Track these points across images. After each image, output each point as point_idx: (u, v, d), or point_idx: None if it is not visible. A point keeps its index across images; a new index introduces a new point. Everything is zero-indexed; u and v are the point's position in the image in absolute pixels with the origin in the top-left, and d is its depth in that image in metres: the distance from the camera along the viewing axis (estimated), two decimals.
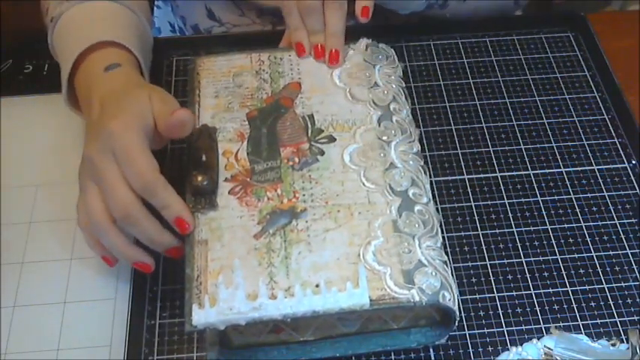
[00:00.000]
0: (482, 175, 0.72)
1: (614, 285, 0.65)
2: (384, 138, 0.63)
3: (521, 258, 0.66)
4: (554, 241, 0.67)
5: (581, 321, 0.62)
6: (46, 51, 0.71)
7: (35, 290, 0.65)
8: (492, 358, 0.60)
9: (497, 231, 0.68)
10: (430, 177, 0.67)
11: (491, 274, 0.65)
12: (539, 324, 0.62)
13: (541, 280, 0.65)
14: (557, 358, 0.59)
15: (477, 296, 0.64)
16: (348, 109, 0.65)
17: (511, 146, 0.74)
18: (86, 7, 0.68)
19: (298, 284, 0.54)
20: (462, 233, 0.68)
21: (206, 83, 0.67)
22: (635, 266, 0.66)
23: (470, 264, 0.66)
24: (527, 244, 0.67)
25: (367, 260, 0.55)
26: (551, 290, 0.64)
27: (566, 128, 0.76)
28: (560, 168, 0.73)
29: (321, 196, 0.59)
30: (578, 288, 0.64)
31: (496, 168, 0.73)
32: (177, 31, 1.00)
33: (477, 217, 0.69)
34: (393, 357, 0.61)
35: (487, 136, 0.75)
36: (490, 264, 0.66)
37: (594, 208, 0.70)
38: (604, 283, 0.65)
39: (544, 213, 0.69)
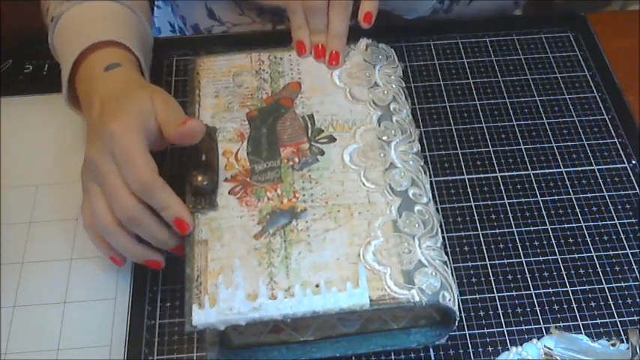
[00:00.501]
0: (482, 175, 0.72)
1: (614, 285, 0.65)
2: (384, 138, 0.63)
3: (521, 258, 0.66)
4: (554, 241, 0.67)
5: (581, 321, 0.62)
6: (46, 51, 0.71)
7: (35, 290, 0.65)
8: (492, 358, 0.60)
9: (497, 231, 0.68)
10: (430, 177, 0.67)
11: (491, 274, 0.65)
12: (539, 324, 0.62)
13: (541, 280, 0.65)
14: (557, 358, 0.59)
15: (477, 296, 0.64)
16: (348, 109, 0.65)
17: (511, 146, 0.74)
18: (86, 7, 0.68)
19: (298, 284, 0.54)
20: (462, 233, 0.68)
21: (206, 83, 0.67)
22: (635, 266, 0.66)
23: (470, 264, 0.66)
24: (527, 244, 0.67)
25: (367, 260, 0.55)
26: (551, 290, 0.64)
27: (566, 128, 0.76)
28: (560, 168, 0.73)
29: (321, 196, 0.59)
30: (578, 288, 0.64)
31: (496, 168, 0.73)
32: (178, 31, 1.00)
33: (477, 217, 0.69)
34: (393, 357, 0.61)
35: (487, 136, 0.75)
36: (490, 264, 0.66)
37: (594, 208, 0.70)
38: (604, 283, 0.65)
39: (544, 213, 0.69)
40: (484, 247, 0.67)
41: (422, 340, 0.60)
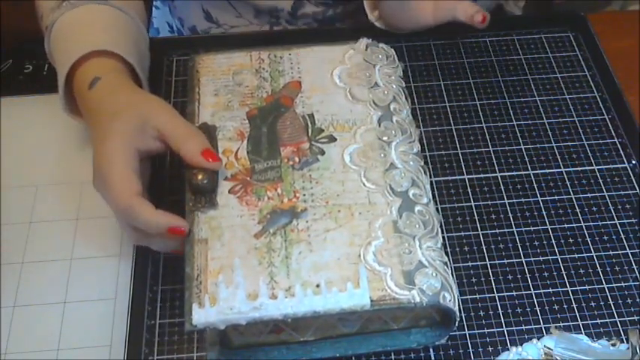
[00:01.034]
0: (482, 175, 0.72)
1: (614, 285, 0.65)
2: (385, 138, 0.63)
3: (521, 258, 0.66)
4: (554, 241, 0.67)
5: (581, 321, 0.62)
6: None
7: (35, 290, 0.65)
8: (492, 358, 0.60)
9: (497, 231, 0.68)
10: (430, 177, 0.67)
11: (491, 274, 0.65)
12: (539, 324, 0.62)
13: (541, 280, 0.65)
14: (557, 358, 0.59)
15: (477, 296, 0.64)
16: (349, 109, 0.65)
17: (511, 146, 0.74)
18: (74, 14, 0.67)
19: (299, 284, 0.54)
20: (462, 233, 0.68)
21: (206, 81, 0.67)
22: (635, 266, 0.66)
23: (470, 264, 0.66)
24: (527, 244, 0.67)
25: (368, 261, 0.55)
26: (551, 290, 0.64)
27: (566, 128, 0.76)
28: (560, 168, 0.73)
29: (321, 196, 0.59)
30: (578, 288, 0.64)
31: (496, 168, 0.72)
32: (176, 31, 1.00)
33: (477, 217, 0.69)
34: (393, 357, 0.61)
35: (487, 136, 0.75)
36: (490, 264, 0.66)
37: (594, 208, 0.70)
38: (604, 283, 0.65)
39: (544, 213, 0.69)
40: (484, 247, 0.67)
41: (422, 340, 0.60)
